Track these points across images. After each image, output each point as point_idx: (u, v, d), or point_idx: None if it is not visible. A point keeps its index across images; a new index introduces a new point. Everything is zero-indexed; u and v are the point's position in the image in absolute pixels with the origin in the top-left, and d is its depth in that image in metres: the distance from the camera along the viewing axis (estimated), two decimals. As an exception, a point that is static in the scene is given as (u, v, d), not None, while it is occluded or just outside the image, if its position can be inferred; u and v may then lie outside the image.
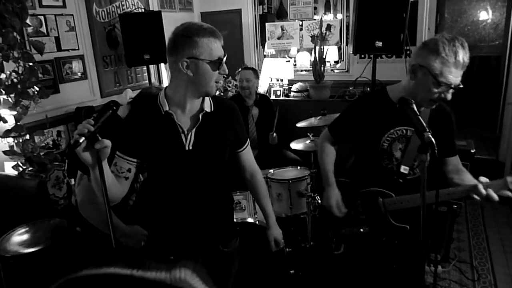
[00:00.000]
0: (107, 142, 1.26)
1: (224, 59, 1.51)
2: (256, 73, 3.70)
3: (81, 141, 1.19)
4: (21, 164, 2.81)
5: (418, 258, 1.87)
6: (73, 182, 2.61)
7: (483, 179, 1.58)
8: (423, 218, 1.21)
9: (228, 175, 1.72)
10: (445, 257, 3.13)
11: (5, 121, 2.68)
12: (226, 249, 1.73)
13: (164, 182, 1.60)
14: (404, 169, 1.74)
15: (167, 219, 1.65)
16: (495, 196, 1.50)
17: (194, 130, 1.52)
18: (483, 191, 1.50)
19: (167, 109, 1.49)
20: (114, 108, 1.35)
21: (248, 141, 1.76)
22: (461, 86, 1.58)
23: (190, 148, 1.52)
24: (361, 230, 1.89)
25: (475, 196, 1.54)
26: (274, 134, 3.71)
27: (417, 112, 1.29)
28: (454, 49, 1.51)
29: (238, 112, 1.70)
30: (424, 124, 1.21)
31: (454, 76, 1.54)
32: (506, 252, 3.26)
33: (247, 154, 1.76)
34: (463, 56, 1.52)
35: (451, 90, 1.57)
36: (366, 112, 1.81)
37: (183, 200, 1.58)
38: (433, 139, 1.13)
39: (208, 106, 1.57)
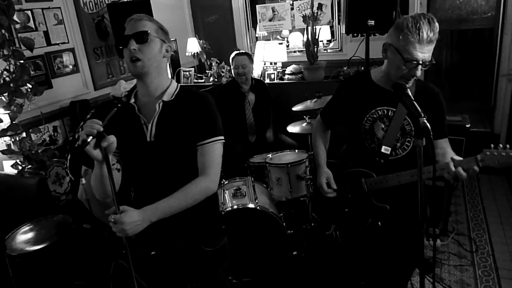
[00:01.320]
0: (113, 138, 1.30)
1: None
2: (250, 58, 3.68)
3: (89, 140, 1.24)
4: (20, 163, 2.81)
5: (413, 237, 1.89)
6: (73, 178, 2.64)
7: (455, 157, 1.59)
8: (421, 200, 1.24)
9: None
10: (444, 231, 3.20)
11: (0, 121, 2.67)
12: (210, 248, 1.64)
13: (134, 175, 1.58)
14: (385, 149, 1.76)
15: None
16: (463, 173, 1.51)
17: (154, 120, 1.50)
18: (452, 168, 1.52)
19: (133, 101, 1.52)
20: (119, 105, 1.39)
21: (216, 139, 1.54)
22: (433, 62, 1.60)
23: (152, 139, 1.50)
24: (346, 210, 1.94)
25: (446, 175, 1.56)
26: (271, 131, 3.74)
27: (412, 97, 1.30)
28: (417, 25, 1.52)
29: (208, 105, 1.56)
30: (419, 109, 1.23)
31: (420, 52, 1.55)
32: (503, 223, 3.33)
33: (207, 153, 1.52)
34: (427, 31, 1.52)
35: (419, 67, 1.58)
36: (349, 93, 1.86)
37: (154, 193, 1.48)
38: (428, 124, 1.15)
39: (168, 95, 1.53)
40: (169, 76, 1.64)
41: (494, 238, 3.14)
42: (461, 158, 1.58)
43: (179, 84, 1.62)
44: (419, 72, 1.60)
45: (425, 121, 1.16)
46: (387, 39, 1.67)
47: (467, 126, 3.04)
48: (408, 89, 1.33)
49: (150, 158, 1.51)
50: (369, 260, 2.08)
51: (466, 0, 4.70)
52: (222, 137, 1.57)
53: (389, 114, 1.77)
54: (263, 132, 3.76)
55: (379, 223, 1.89)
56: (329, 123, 2.04)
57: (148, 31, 1.46)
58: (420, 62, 1.56)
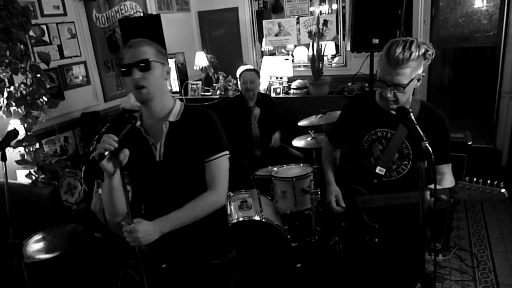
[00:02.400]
0: (127, 152, 1.40)
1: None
2: (258, 74, 3.77)
3: (106, 154, 1.33)
4: (33, 173, 2.90)
5: (411, 255, 1.94)
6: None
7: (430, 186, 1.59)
8: (423, 221, 1.31)
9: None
10: (445, 246, 3.24)
11: (17, 133, 2.77)
12: (218, 261, 1.69)
13: (144, 193, 1.64)
14: (379, 170, 1.80)
15: None
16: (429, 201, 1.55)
17: (162, 141, 1.55)
18: (428, 197, 1.55)
19: (139, 124, 1.57)
20: (133, 122, 1.49)
21: (222, 154, 1.59)
22: (402, 85, 1.59)
23: (161, 159, 1.55)
24: (343, 224, 2.03)
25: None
26: (277, 134, 3.79)
27: (414, 121, 1.37)
28: (390, 47, 1.58)
29: (212, 122, 1.60)
30: (421, 133, 1.30)
31: (387, 74, 1.59)
32: (505, 239, 3.37)
33: (214, 168, 1.57)
34: (398, 53, 1.55)
35: (388, 88, 1.62)
36: (353, 112, 1.93)
37: (165, 210, 1.54)
38: (430, 148, 1.22)
39: (174, 115, 1.58)
40: (172, 95, 1.68)
41: (495, 254, 3.18)
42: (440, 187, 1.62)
43: (183, 104, 1.66)
44: (388, 93, 1.63)
45: (427, 145, 1.23)
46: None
47: (469, 143, 3.10)
48: (411, 114, 1.40)
49: (160, 177, 1.57)
50: (371, 274, 2.13)
51: (469, 19, 4.81)
52: (228, 152, 1.62)
53: (388, 136, 1.81)
54: (268, 145, 3.82)
55: (376, 240, 1.94)
56: (336, 143, 2.12)
57: (149, 59, 1.49)
58: (388, 83, 1.61)
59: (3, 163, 1.81)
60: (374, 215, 1.89)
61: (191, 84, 5.15)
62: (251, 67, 4.38)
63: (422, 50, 1.59)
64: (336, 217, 2.05)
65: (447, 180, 1.75)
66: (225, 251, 1.74)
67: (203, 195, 1.55)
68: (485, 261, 3.12)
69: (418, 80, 1.67)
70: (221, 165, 1.59)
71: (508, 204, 3.92)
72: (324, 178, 2.15)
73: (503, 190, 1.52)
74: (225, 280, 1.73)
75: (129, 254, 2.38)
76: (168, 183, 1.57)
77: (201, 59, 5.29)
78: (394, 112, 1.71)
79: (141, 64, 1.47)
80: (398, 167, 1.83)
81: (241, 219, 2.76)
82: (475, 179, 1.55)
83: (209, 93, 5.05)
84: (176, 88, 4.89)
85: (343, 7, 5.09)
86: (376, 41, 3.39)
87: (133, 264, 2.48)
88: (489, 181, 1.54)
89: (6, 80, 2.75)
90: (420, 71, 1.64)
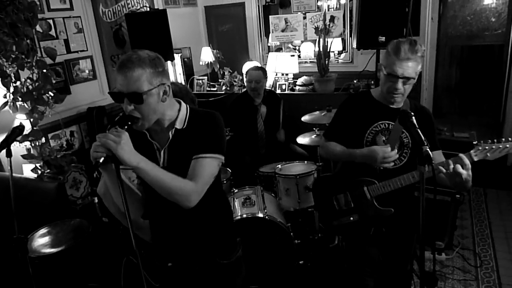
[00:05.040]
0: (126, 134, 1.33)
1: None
2: (265, 73, 3.73)
3: (100, 161, 1.27)
4: (39, 167, 2.93)
5: (405, 245, 2.10)
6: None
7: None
8: (422, 223, 1.31)
9: (218, 189, 1.66)
10: (449, 245, 3.24)
11: (23, 128, 2.80)
12: (225, 261, 1.68)
13: (151, 196, 1.60)
14: None
15: (161, 230, 1.68)
16: (461, 170, 1.61)
17: (166, 147, 1.52)
18: (451, 165, 1.63)
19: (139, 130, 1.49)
20: (129, 123, 1.38)
21: (212, 155, 1.49)
22: (413, 78, 1.78)
23: (165, 165, 1.51)
24: (351, 218, 2.07)
25: (443, 173, 1.70)
26: (282, 130, 3.80)
27: (416, 125, 1.38)
28: (398, 44, 1.76)
29: (213, 123, 1.54)
30: (423, 137, 1.30)
31: (398, 67, 1.75)
32: (508, 239, 3.36)
33: (199, 164, 1.48)
34: (406, 48, 1.73)
35: (400, 80, 1.77)
36: (352, 110, 2.03)
37: (169, 213, 1.56)
38: (430, 153, 1.23)
39: (180, 122, 1.53)
40: (175, 101, 1.59)
41: (499, 254, 3.18)
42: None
43: (188, 108, 1.58)
44: (399, 85, 1.79)
45: (428, 149, 1.24)
46: (381, 60, 1.90)
47: (474, 143, 3.08)
48: (413, 117, 1.41)
49: None
50: (372, 268, 2.15)
51: (477, 17, 4.75)
52: (221, 157, 1.52)
53: (390, 127, 1.93)
54: (274, 143, 3.83)
55: (383, 229, 2.04)
56: (334, 140, 2.11)
57: (143, 91, 1.35)
58: (399, 76, 1.76)
59: (9, 159, 1.83)
60: (386, 201, 1.97)
61: (197, 79, 5.16)
62: (259, 64, 4.37)
63: (423, 48, 1.79)
64: (341, 214, 2.10)
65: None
66: (232, 251, 1.73)
67: (185, 179, 1.44)
68: (488, 260, 3.11)
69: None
70: (206, 164, 1.47)
71: (513, 204, 3.90)
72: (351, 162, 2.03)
73: None
74: (232, 278, 1.74)
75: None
76: None
77: (207, 55, 5.29)
78: (393, 106, 1.92)
79: (133, 98, 1.35)
80: (400, 156, 1.93)
81: (244, 215, 2.78)
82: (489, 140, 1.70)
83: (215, 89, 5.06)
84: (174, 102, 4.89)
85: (351, 1, 5.05)
86: (383, 38, 3.38)
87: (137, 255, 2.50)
88: (503, 139, 1.70)
89: (12, 75, 2.77)
90: (420, 67, 1.82)
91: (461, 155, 1.67)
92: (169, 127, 1.52)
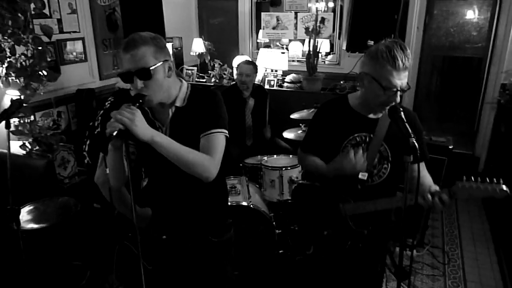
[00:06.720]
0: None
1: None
2: (255, 68, 3.82)
3: (114, 134, 1.31)
4: (28, 144, 2.93)
5: (378, 251, 2.01)
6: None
7: (433, 186, 1.67)
8: (404, 212, 1.43)
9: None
10: (420, 242, 3.42)
11: (20, 106, 2.80)
12: (217, 239, 1.75)
13: (151, 173, 1.69)
14: (362, 175, 1.77)
15: (158, 205, 1.76)
16: (439, 204, 1.61)
17: (168, 125, 1.57)
18: (429, 197, 1.61)
19: (147, 107, 1.55)
20: (140, 101, 1.45)
21: (219, 130, 1.56)
22: (409, 87, 1.64)
23: None
24: (325, 232, 1.95)
25: (421, 201, 1.63)
26: (268, 127, 3.90)
27: (404, 119, 1.48)
28: (392, 53, 1.56)
29: (214, 100, 1.59)
30: (410, 130, 1.41)
31: (397, 79, 1.59)
32: (475, 240, 3.58)
33: (210, 140, 1.53)
34: (402, 59, 1.57)
35: (398, 93, 1.62)
36: (328, 119, 1.86)
37: (168, 189, 1.64)
38: (416, 144, 1.34)
39: (180, 100, 1.58)
40: (177, 79, 1.64)
41: (465, 253, 3.38)
42: (437, 187, 1.66)
43: (189, 84, 1.63)
44: (398, 98, 1.64)
45: (414, 141, 1.35)
46: (362, 68, 1.70)
47: (450, 147, 3.28)
48: (402, 112, 1.51)
49: (164, 159, 1.52)
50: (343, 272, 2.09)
51: (460, 29, 4.98)
52: (226, 131, 1.58)
53: (367, 140, 1.79)
54: (260, 135, 3.93)
55: (360, 245, 1.92)
56: (311, 153, 1.97)
57: (150, 66, 1.41)
58: (399, 88, 1.61)
59: (7, 131, 1.85)
60: (361, 221, 1.86)
61: (186, 69, 5.21)
62: (250, 59, 4.46)
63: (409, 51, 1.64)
64: (316, 225, 2.00)
65: (426, 177, 1.79)
66: (224, 230, 1.80)
67: (203, 154, 1.50)
68: (455, 258, 3.31)
69: None
70: (217, 139, 1.54)
71: (481, 207, 4.13)
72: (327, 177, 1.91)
73: (504, 188, 1.53)
74: (221, 257, 1.82)
75: (127, 227, 2.44)
76: (173, 165, 1.53)
77: (198, 45, 5.34)
78: (372, 116, 1.78)
79: (141, 74, 1.41)
80: (378, 171, 1.83)
81: (229, 203, 2.85)
82: (472, 178, 1.57)
83: (204, 80, 5.11)
84: (176, 81, 4.93)
85: (341, 6, 5.20)
86: (371, 43, 3.52)
87: (131, 236, 2.53)
88: (487, 179, 1.55)
89: (7, 50, 2.76)
90: None
91: (444, 194, 1.61)
92: (170, 105, 1.57)
